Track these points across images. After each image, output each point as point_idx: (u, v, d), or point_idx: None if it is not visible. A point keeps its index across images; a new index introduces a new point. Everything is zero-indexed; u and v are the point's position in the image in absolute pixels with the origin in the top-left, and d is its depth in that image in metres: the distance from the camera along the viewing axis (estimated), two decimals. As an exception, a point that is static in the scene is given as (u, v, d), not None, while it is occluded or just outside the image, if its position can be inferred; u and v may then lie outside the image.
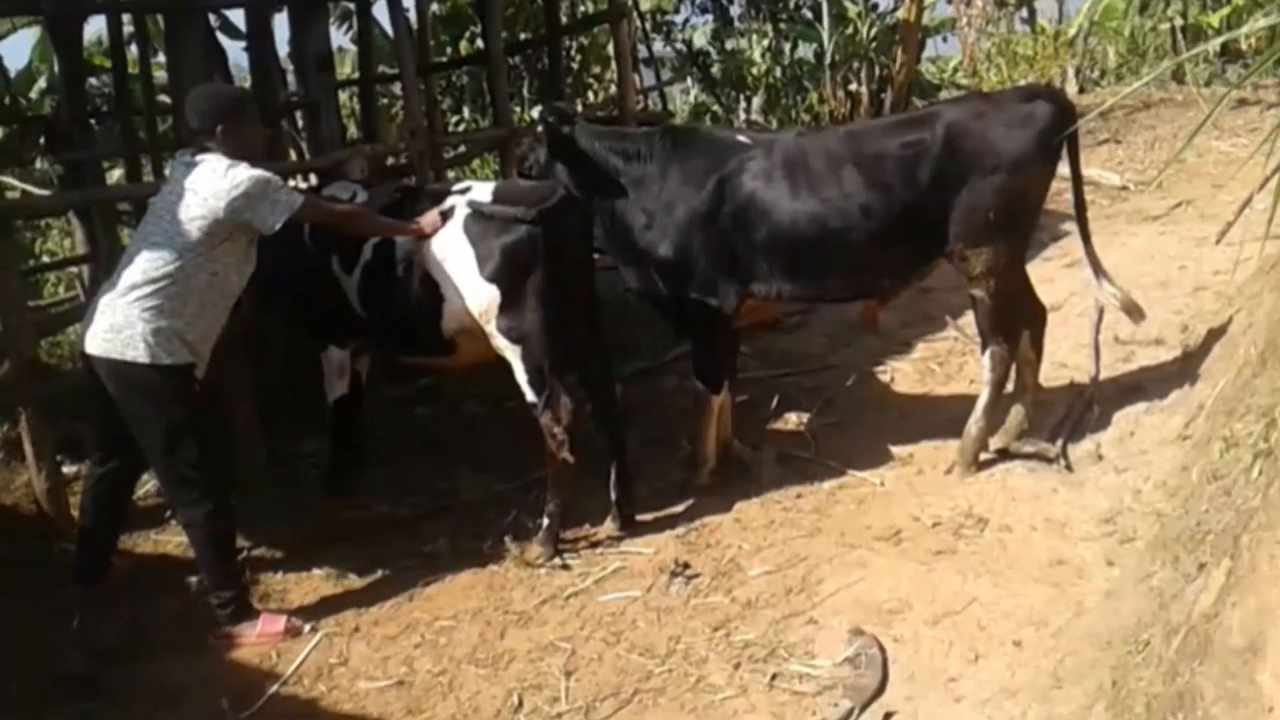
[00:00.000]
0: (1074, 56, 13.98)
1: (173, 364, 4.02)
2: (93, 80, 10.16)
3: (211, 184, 3.96)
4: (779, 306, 5.13)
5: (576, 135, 4.86)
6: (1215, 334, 5.09)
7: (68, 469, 5.27)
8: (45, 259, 10.51)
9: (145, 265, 3.98)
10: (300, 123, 8.71)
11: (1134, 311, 4.86)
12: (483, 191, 4.54)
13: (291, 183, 4.72)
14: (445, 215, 4.46)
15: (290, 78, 8.77)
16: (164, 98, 8.65)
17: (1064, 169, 4.77)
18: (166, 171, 8.39)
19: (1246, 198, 6.65)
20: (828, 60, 12.71)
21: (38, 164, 9.84)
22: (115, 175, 10.60)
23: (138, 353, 3.97)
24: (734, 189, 4.68)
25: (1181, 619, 2.62)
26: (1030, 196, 4.60)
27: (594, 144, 4.87)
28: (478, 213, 4.44)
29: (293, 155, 8.36)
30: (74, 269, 8.82)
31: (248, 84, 8.46)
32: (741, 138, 4.96)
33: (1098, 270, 4.84)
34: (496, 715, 3.62)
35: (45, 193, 8.29)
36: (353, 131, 10.49)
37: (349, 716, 3.73)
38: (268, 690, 3.87)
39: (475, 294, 4.41)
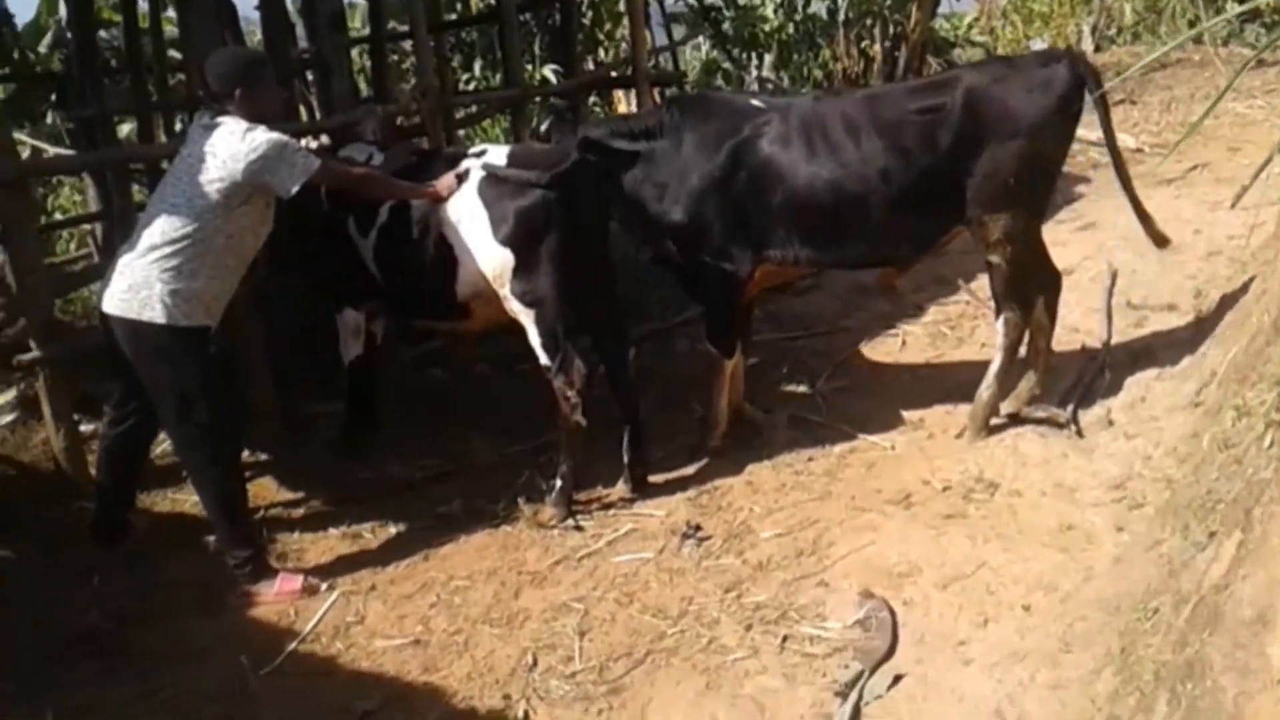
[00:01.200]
0: (1091, 14, 13.83)
1: (189, 326, 4.06)
2: (102, 34, 10.08)
3: (230, 147, 3.97)
4: (794, 272, 5.12)
5: (582, 136, 4.85)
6: (1228, 300, 5.09)
7: (85, 427, 5.31)
8: (58, 215, 10.51)
9: (164, 226, 4.00)
10: (311, 81, 8.65)
11: (1161, 241, 4.98)
12: (498, 155, 4.54)
13: (305, 143, 4.71)
14: (460, 178, 4.46)
15: (300, 33, 8.74)
16: (175, 53, 8.66)
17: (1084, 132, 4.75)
18: (177, 128, 8.44)
19: (1263, 161, 6.61)
20: (841, 17, 12.56)
21: (48, 119, 9.82)
22: (124, 130, 10.56)
23: (155, 313, 4.00)
24: (749, 154, 4.66)
25: (1191, 588, 2.65)
26: (1049, 162, 4.59)
27: (602, 131, 4.86)
28: (492, 176, 4.44)
29: (304, 115, 8.32)
30: (86, 226, 8.84)
31: (257, 39, 8.44)
32: (756, 102, 4.94)
33: (1141, 214, 4.95)
34: (511, 674, 3.67)
35: (61, 151, 8.27)
36: (363, 88, 10.42)
37: (366, 674, 3.78)
38: (286, 648, 3.92)
39: (489, 257, 4.43)
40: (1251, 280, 5.02)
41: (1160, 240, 4.91)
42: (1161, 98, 10.21)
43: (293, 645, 3.94)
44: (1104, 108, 4.68)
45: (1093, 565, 3.72)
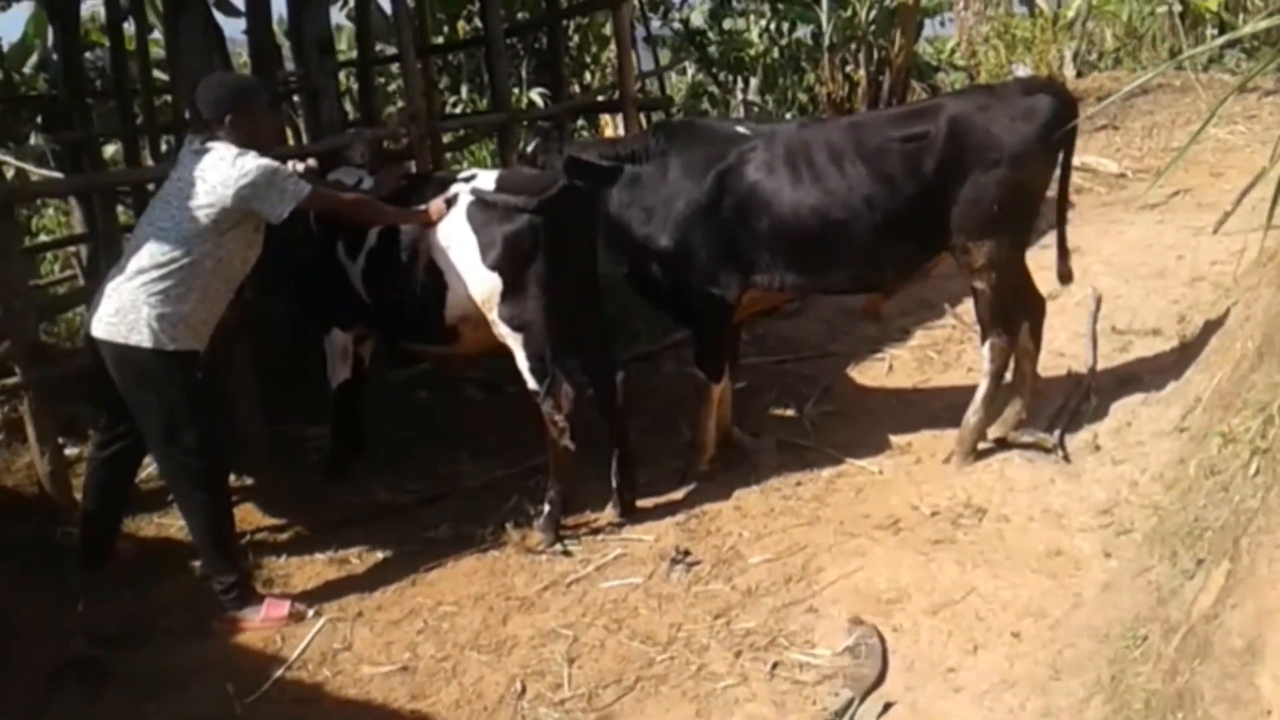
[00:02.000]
0: (1072, 40, 13.95)
1: (176, 350, 4.04)
2: (89, 56, 10.08)
3: (220, 172, 3.97)
4: (781, 297, 5.14)
5: (569, 155, 4.87)
6: (1212, 325, 5.13)
7: (70, 451, 5.28)
8: (43, 237, 10.47)
9: (152, 250, 4.00)
10: (298, 105, 8.66)
11: (1065, 277, 4.99)
12: (487, 179, 4.55)
13: (293, 166, 4.72)
14: (449, 203, 4.47)
15: (287, 56, 8.75)
16: (161, 75, 8.66)
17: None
18: (163, 151, 8.44)
19: (1246, 187, 6.68)
20: (826, 42, 12.66)
21: (33, 140, 9.80)
22: (110, 152, 10.54)
23: (141, 337, 3.99)
24: (735, 181, 4.69)
25: (1181, 617, 2.66)
26: (1032, 189, 4.62)
27: (588, 155, 4.88)
28: (481, 201, 4.45)
29: (291, 139, 8.32)
30: (72, 248, 8.81)
31: (244, 62, 8.45)
32: (741, 129, 4.96)
33: (1063, 251, 4.94)
34: (499, 701, 3.65)
35: (49, 174, 8.24)
36: (351, 112, 10.43)
37: (353, 702, 3.76)
38: (272, 675, 3.89)
39: (478, 282, 4.43)
40: (1234, 306, 5.06)
41: (1065, 275, 4.96)
42: (1143, 123, 10.31)
43: (279, 672, 3.91)
44: (1069, 144, 4.71)
45: (1081, 591, 3.73)
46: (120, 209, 8.11)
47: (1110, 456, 4.62)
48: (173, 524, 4.87)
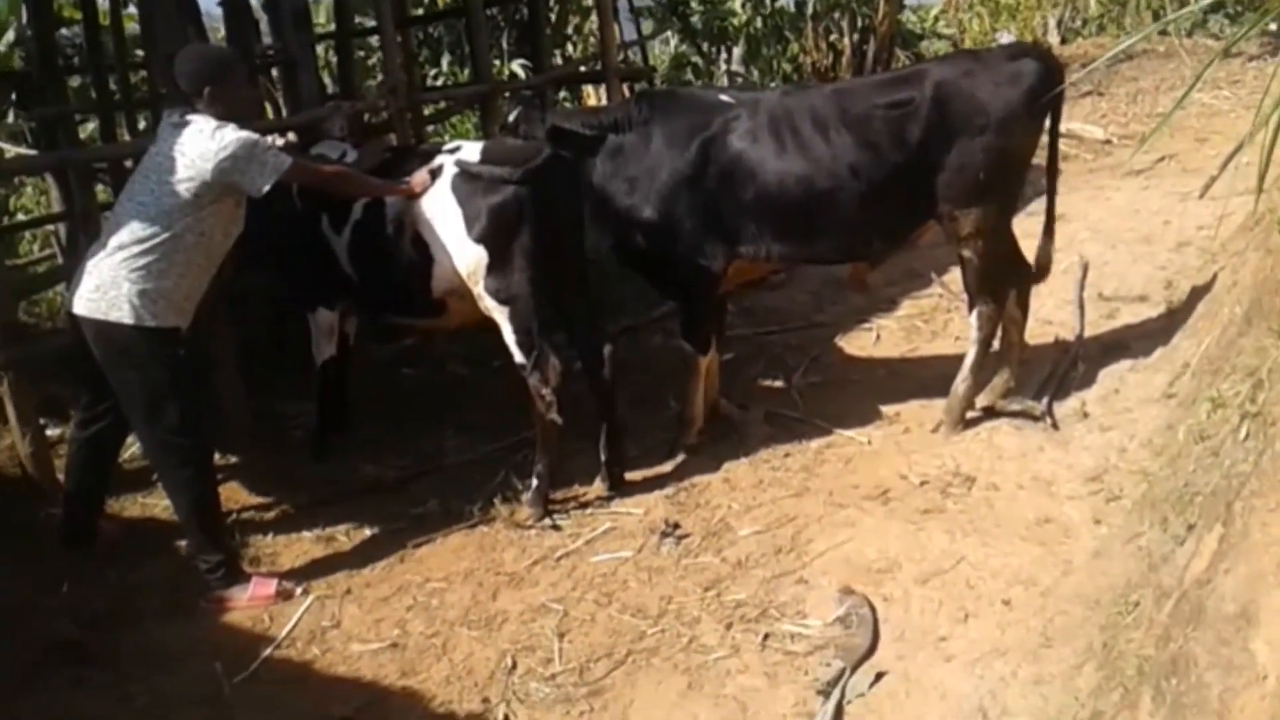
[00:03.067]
0: (1056, 6, 13.91)
1: (157, 326, 3.99)
2: (63, 32, 9.93)
3: (199, 146, 3.91)
4: (767, 267, 5.11)
5: (551, 124, 4.81)
6: (1199, 291, 5.12)
7: (52, 432, 5.23)
8: (20, 216, 10.35)
9: (132, 226, 3.94)
10: (276, 78, 8.55)
11: (1042, 270, 4.89)
12: (471, 151, 4.49)
13: (273, 140, 4.65)
14: (434, 174, 4.42)
15: (264, 29, 8.64)
16: (137, 51, 8.53)
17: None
18: (140, 127, 8.33)
19: (1231, 152, 6.67)
20: (809, 10, 12.57)
21: (9, 118, 9.66)
22: (89, 129, 10.41)
23: (122, 314, 3.94)
24: (719, 150, 4.64)
25: (1173, 583, 2.66)
26: (1018, 156, 4.59)
27: (571, 124, 4.82)
28: (465, 172, 4.39)
29: (270, 112, 8.21)
30: (50, 227, 8.70)
31: (221, 36, 8.33)
32: (725, 97, 4.91)
33: (1048, 231, 4.86)
34: (490, 677, 3.64)
35: (23, 151, 8.13)
36: (329, 85, 10.31)
37: (342, 679, 3.74)
38: (261, 654, 3.87)
39: (463, 255, 4.38)
40: (1221, 271, 5.06)
41: (1043, 267, 4.89)
42: (1128, 89, 10.30)
43: (267, 651, 3.89)
44: (1056, 108, 4.67)
45: (1071, 559, 3.74)
46: (99, 187, 8.01)
47: (1098, 423, 4.62)
48: (157, 503, 4.84)
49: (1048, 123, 4.69)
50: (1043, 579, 3.66)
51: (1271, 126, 2.93)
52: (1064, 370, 5.05)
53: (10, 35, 10.43)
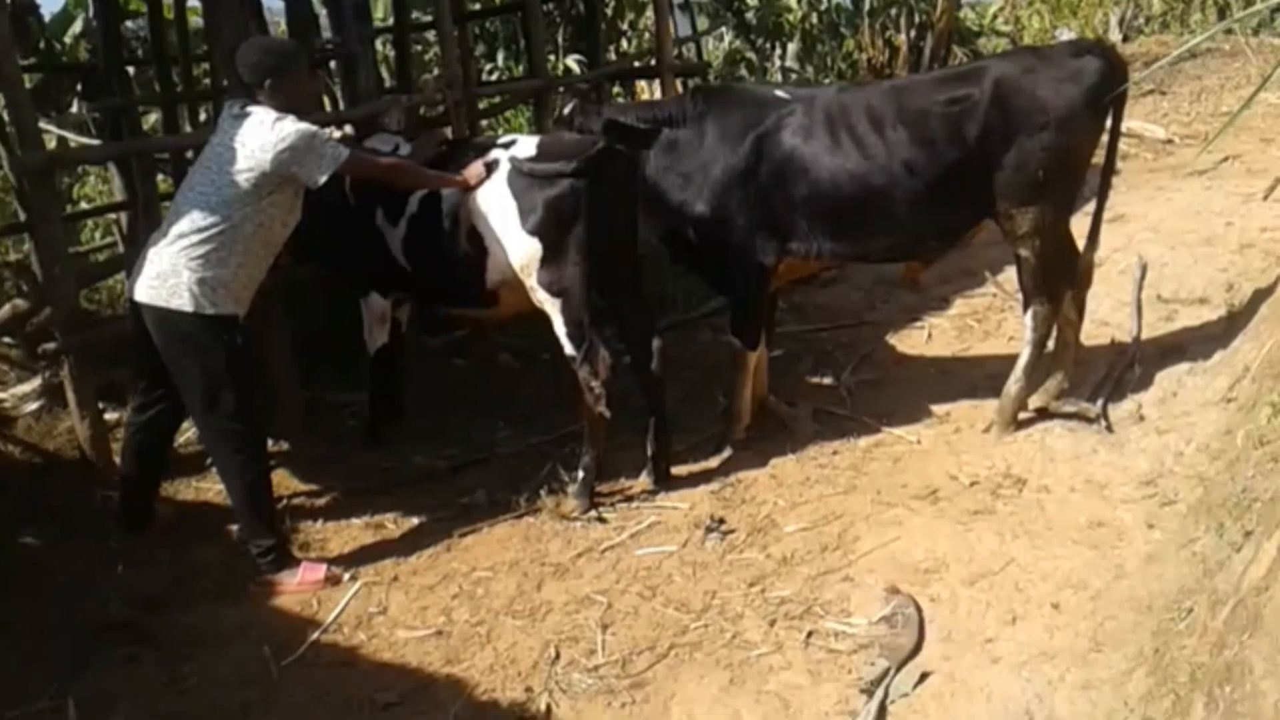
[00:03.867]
0: (1118, 3, 13.69)
1: (216, 314, 4.05)
2: (128, 24, 10.10)
3: (259, 137, 3.96)
4: (818, 265, 5.08)
5: (607, 118, 4.81)
6: (1262, 294, 5.02)
7: (110, 416, 5.32)
8: (83, 205, 10.55)
9: (192, 215, 4.01)
10: (334, 72, 8.65)
11: (1084, 276, 4.78)
12: (527, 145, 4.51)
13: (330, 133, 4.70)
14: (489, 167, 4.44)
15: (324, 24, 8.73)
16: (201, 46, 8.66)
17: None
18: (202, 119, 8.45)
19: (1297, 154, 6.52)
20: (866, 7, 12.49)
21: (74, 108, 9.85)
22: (151, 120, 10.59)
23: (182, 301, 4.01)
24: (773, 146, 4.62)
25: (1229, 589, 2.61)
26: (1078, 155, 4.51)
27: (625, 117, 4.82)
28: (521, 166, 4.41)
29: (328, 105, 8.31)
30: (112, 216, 8.86)
31: (282, 30, 8.44)
32: (780, 93, 4.88)
33: (1093, 235, 4.75)
34: (534, 667, 3.65)
35: (88, 141, 8.29)
36: (386, 79, 10.41)
37: (388, 665, 3.77)
38: (309, 638, 3.92)
39: (517, 247, 4.40)
40: (1286, 274, 4.95)
41: (1085, 276, 4.79)
42: (1191, 88, 10.11)
43: (315, 635, 3.94)
44: (1119, 107, 4.58)
45: (1123, 563, 3.68)
46: (160, 177, 8.14)
47: (1154, 427, 4.55)
48: (211, 488, 4.92)
49: (1109, 122, 4.61)
50: (1093, 583, 3.61)
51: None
52: (1120, 372, 4.97)
53: (77, 27, 10.64)
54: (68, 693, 3.63)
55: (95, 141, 8.21)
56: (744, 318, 4.94)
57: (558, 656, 3.69)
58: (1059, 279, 4.68)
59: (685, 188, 4.74)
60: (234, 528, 4.52)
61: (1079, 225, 4.95)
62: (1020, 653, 3.35)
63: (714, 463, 4.89)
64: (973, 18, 14.23)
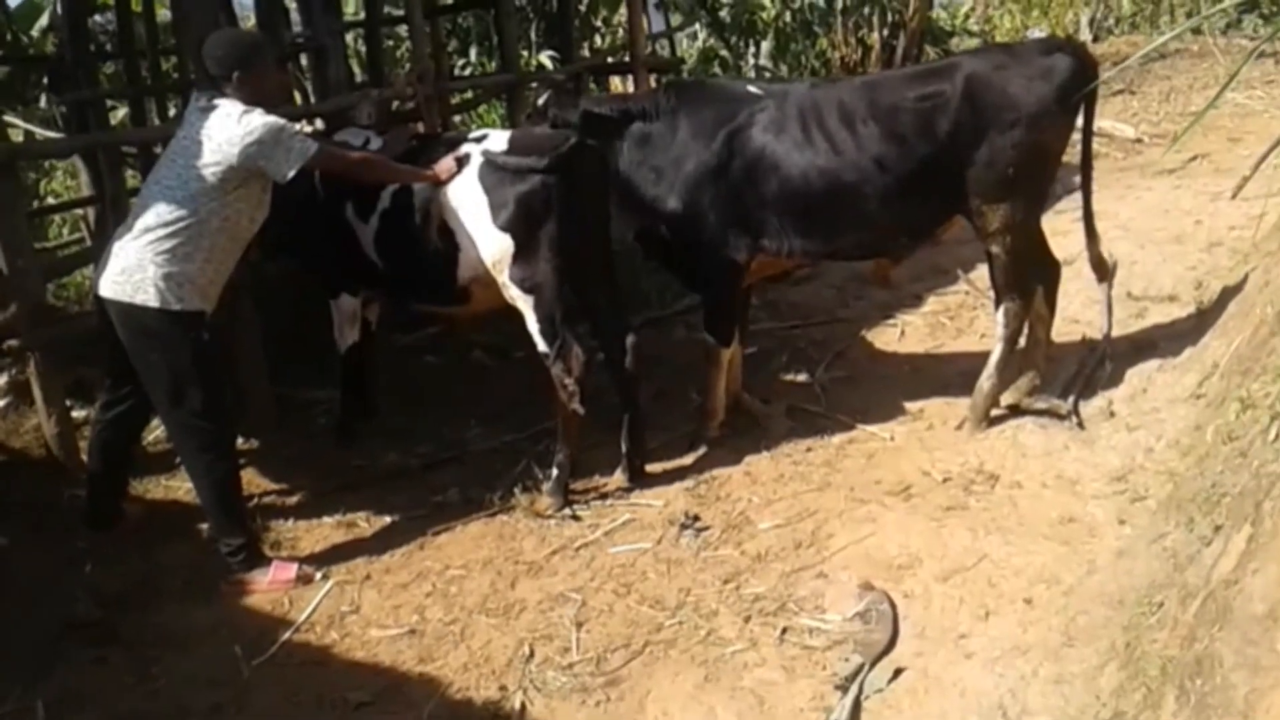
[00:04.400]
0: (1088, 4, 13.79)
1: (182, 310, 4.01)
2: (96, 18, 9.99)
3: (226, 130, 3.92)
4: (791, 262, 5.08)
5: (580, 108, 4.78)
6: (1230, 291, 5.06)
7: (77, 413, 5.26)
8: (50, 200, 10.42)
9: (158, 209, 3.96)
10: (305, 65, 8.59)
11: (1099, 268, 4.85)
12: (498, 140, 4.48)
13: (300, 127, 4.66)
14: (460, 162, 4.41)
15: (295, 18, 8.67)
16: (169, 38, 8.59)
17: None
18: (171, 113, 8.37)
19: (1264, 152, 6.59)
20: (839, 5, 12.51)
21: (41, 103, 9.73)
22: (119, 115, 10.48)
23: (148, 296, 3.96)
24: (745, 142, 4.61)
25: (1199, 583, 2.62)
26: (1049, 151, 4.53)
27: (598, 110, 4.80)
28: (492, 161, 4.39)
29: (298, 99, 8.24)
30: (79, 210, 8.77)
31: (251, 23, 8.37)
32: (752, 89, 4.88)
33: (1090, 231, 4.81)
34: (508, 665, 3.64)
35: (52, 135, 8.20)
36: (357, 73, 10.34)
37: (361, 664, 3.74)
38: (280, 637, 3.88)
39: (489, 243, 4.38)
40: (1253, 271, 4.99)
41: (1100, 267, 4.84)
42: (1160, 88, 10.21)
43: (287, 634, 3.90)
44: (1089, 105, 4.62)
45: (1095, 558, 3.70)
46: (129, 172, 8.06)
47: (1125, 423, 4.58)
48: (180, 486, 4.86)
49: (1080, 120, 4.64)
50: (1065, 578, 3.63)
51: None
52: (1091, 369, 5.00)
53: (44, 20, 10.51)
54: (35, 693, 3.58)
55: (61, 135, 8.12)
56: (718, 315, 4.94)
57: (532, 655, 3.67)
58: (1030, 276, 4.70)
59: (658, 183, 4.72)
60: (203, 526, 4.46)
61: (1051, 223, 4.98)
62: (993, 648, 3.37)
63: (688, 460, 4.88)
64: (945, 17, 14.29)
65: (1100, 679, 2.97)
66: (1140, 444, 4.37)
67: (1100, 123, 8.34)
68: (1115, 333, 5.24)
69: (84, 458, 4.76)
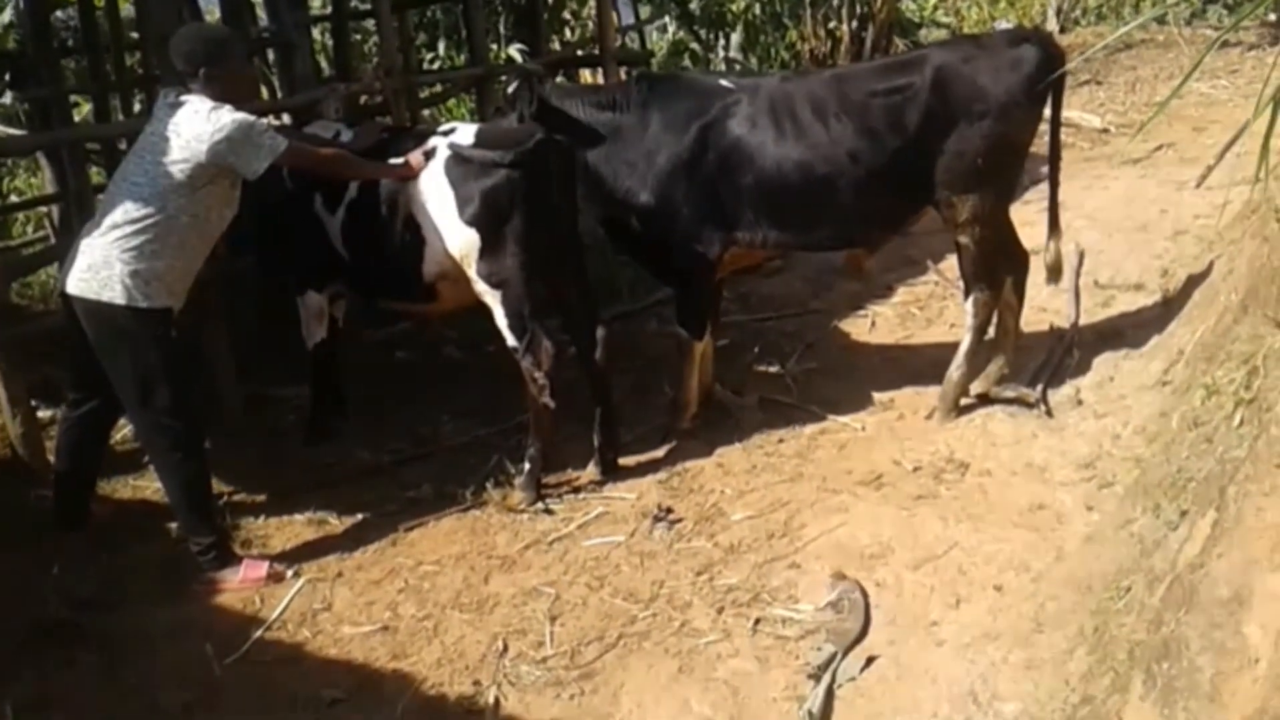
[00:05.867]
0: (1055, -5, 13.85)
1: (149, 307, 3.97)
2: (58, 14, 9.87)
3: (194, 126, 3.88)
4: (763, 254, 5.09)
5: (550, 96, 4.77)
6: (1196, 279, 5.11)
7: (43, 413, 5.20)
8: (14, 198, 10.30)
9: (126, 206, 3.92)
10: (272, 60, 8.52)
11: (1054, 270, 4.87)
12: (465, 134, 4.46)
13: (268, 121, 4.62)
14: (428, 156, 4.39)
15: (261, 13, 8.60)
16: (132, 33, 8.49)
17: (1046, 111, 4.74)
18: (135, 109, 8.28)
19: (1228, 141, 6.65)
20: (808, -2, 12.52)
21: (3, 99, 9.60)
22: (83, 111, 10.37)
23: (115, 294, 3.92)
24: (718, 135, 4.61)
25: (1165, 567, 2.65)
26: (1017, 142, 4.56)
27: (569, 101, 4.79)
28: (458, 155, 4.37)
29: (265, 94, 8.17)
30: (43, 208, 8.67)
31: (216, 18, 8.29)
32: (724, 82, 4.88)
33: (1054, 225, 4.84)
34: (481, 660, 3.63)
35: (14, 132, 8.09)
36: (325, 67, 10.26)
37: (334, 662, 3.73)
38: (251, 635, 3.86)
39: (455, 238, 4.36)
40: (1218, 259, 5.04)
41: (1055, 265, 4.87)
42: (1127, 78, 10.27)
43: (258, 633, 3.88)
44: (1057, 94, 4.64)
45: (1064, 545, 3.74)
46: (93, 169, 7.98)
47: (1093, 410, 4.62)
48: (149, 486, 4.82)
49: (1048, 111, 4.67)
50: (1035, 564, 3.66)
51: (1269, 116, 2.91)
52: (1059, 358, 5.04)
53: (6, 16, 10.37)
54: (4, 696, 3.54)
55: (24, 132, 8.02)
56: (690, 307, 4.94)
57: (506, 649, 3.67)
58: (999, 266, 4.73)
59: (629, 176, 4.71)
60: (173, 526, 4.43)
61: (1020, 213, 5.01)
62: (964, 635, 3.40)
63: (661, 452, 4.89)
64: (913, 9, 14.32)
65: (1069, 664, 3.00)
66: (1108, 431, 4.41)
67: (1067, 113, 8.39)
68: (1083, 321, 5.29)
69: (50, 458, 4.71)
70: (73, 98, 8.76)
